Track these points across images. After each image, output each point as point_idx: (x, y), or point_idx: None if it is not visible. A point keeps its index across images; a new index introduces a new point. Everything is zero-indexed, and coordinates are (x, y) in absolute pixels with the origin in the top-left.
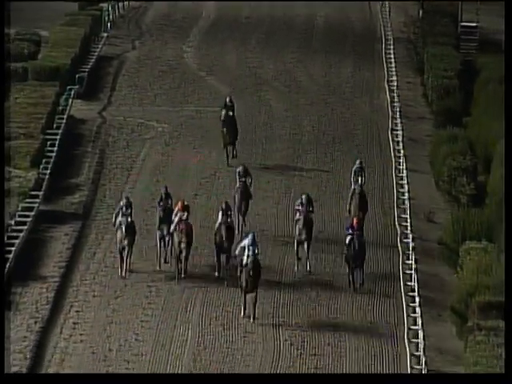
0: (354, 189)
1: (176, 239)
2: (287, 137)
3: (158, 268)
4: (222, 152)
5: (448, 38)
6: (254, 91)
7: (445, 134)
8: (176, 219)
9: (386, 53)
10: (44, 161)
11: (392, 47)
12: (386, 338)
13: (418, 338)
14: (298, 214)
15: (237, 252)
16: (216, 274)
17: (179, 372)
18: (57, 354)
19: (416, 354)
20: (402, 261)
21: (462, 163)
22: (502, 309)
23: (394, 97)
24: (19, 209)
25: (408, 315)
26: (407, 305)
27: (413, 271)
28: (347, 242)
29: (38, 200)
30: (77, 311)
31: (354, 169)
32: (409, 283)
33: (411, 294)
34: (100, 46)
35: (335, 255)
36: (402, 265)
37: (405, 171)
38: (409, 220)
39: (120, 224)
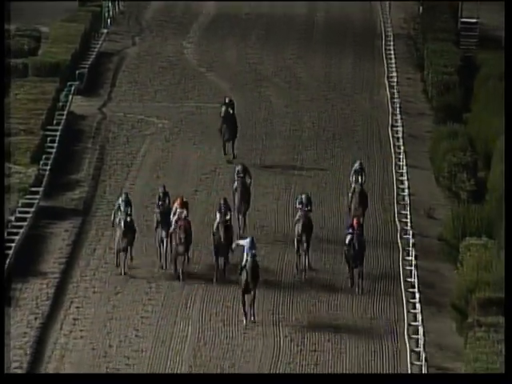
0: (354, 187)
1: (175, 238)
2: (287, 133)
3: (158, 269)
4: (222, 148)
5: (448, 34)
6: (254, 87)
7: (445, 130)
8: (175, 218)
9: (386, 49)
10: (44, 157)
11: (392, 43)
12: (386, 334)
13: (418, 334)
14: (297, 214)
15: (233, 246)
16: (214, 279)
17: (179, 368)
18: (57, 350)
19: (416, 350)
20: (402, 257)
21: (462, 159)
22: (502, 305)
23: (394, 93)
24: (19, 205)
25: (408, 311)
26: (407, 301)
27: (413, 267)
28: (347, 241)
29: (38, 196)
30: (77, 307)
31: (353, 169)
32: (409, 279)
33: (411, 290)
34: (100, 42)
35: (335, 252)
36: (402, 261)
37: (405, 167)
38: (409, 216)
39: (119, 223)
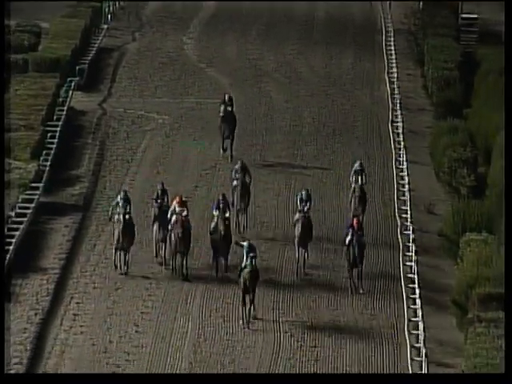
0: (354, 188)
1: (174, 236)
2: (287, 128)
3: (159, 265)
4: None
5: (448, 30)
6: (254, 83)
7: (445, 126)
8: (174, 217)
9: (386, 44)
10: (44, 152)
11: (392, 39)
12: (386, 330)
13: (418, 330)
14: (297, 213)
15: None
16: (214, 273)
17: (179, 364)
18: (57, 346)
19: (416, 345)
20: (402, 252)
21: (462, 155)
22: (502, 300)
23: (394, 88)
24: (19, 200)
25: (408, 307)
26: (407, 297)
27: (413, 263)
28: (347, 241)
29: (38, 192)
30: (77, 303)
31: (353, 169)
32: (409, 275)
33: (411, 285)
34: (100, 38)
35: (335, 248)
36: (402, 256)
37: (405, 163)
38: (409, 211)
39: (118, 221)
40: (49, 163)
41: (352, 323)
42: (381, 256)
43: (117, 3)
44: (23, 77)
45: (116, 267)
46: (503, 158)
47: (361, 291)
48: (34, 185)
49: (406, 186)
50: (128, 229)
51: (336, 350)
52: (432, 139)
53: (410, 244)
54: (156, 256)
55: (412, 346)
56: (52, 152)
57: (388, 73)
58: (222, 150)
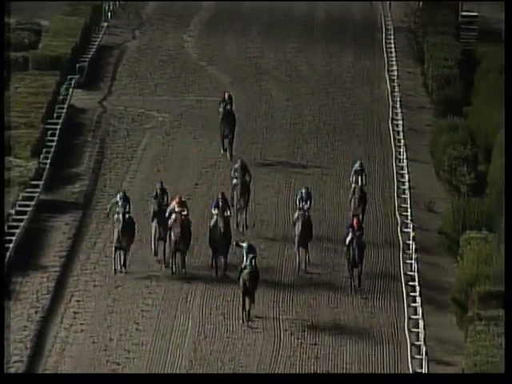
0: (354, 189)
1: (173, 235)
2: (288, 126)
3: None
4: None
5: (448, 28)
6: (254, 81)
7: (445, 124)
8: (174, 215)
9: (386, 42)
10: (44, 150)
11: (392, 37)
12: (386, 328)
13: (418, 328)
14: (296, 212)
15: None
16: (213, 273)
17: (179, 362)
18: (57, 344)
19: (416, 343)
20: (402, 250)
21: (462, 153)
22: (502, 298)
23: (394, 86)
24: (20, 198)
25: (408, 305)
26: (407, 295)
27: (413, 261)
28: (347, 242)
29: (38, 189)
30: (77, 301)
31: (354, 169)
32: (409, 273)
33: (411, 283)
34: (100, 36)
35: (335, 246)
36: (402, 254)
37: (405, 161)
38: (409, 209)
39: (117, 220)
40: (49, 161)
41: (352, 321)
42: (381, 254)
43: (117, 2)
44: (23, 75)
45: (115, 271)
46: (503, 155)
47: (359, 291)
48: (34, 183)
49: (406, 184)
50: (127, 228)
51: (336, 348)
52: (432, 137)
53: (410, 242)
54: (155, 254)
55: (412, 344)
56: (52, 150)
57: (388, 71)
58: (222, 150)
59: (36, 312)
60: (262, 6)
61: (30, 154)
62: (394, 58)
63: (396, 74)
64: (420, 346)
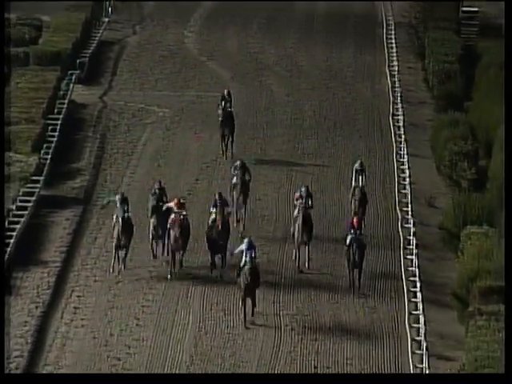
0: (355, 188)
1: (172, 235)
2: (288, 122)
3: (152, 258)
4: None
5: (449, 23)
6: (255, 76)
7: (446, 119)
8: (173, 215)
9: (387, 37)
10: (45, 146)
11: (393, 32)
12: (387, 323)
13: (418, 323)
14: (296, 210)
15: (235, 252)
16: (210, 272)
17: (180, 357)
18: (58, 339)
19: (417, 338)
20: (403, 246)
21: (463, 148)
22: (503, 293)
23: (395, 82)
24: (20, 194)
25: (409, 300)
26: (408, 290)
27: (413, 256)
28: (347, 242)
29: (38, 185)
30: (78, 296)
31: (354, 169)
32: (409, 268)
33: (412, 279)
34: (101, 31)
35: (336, 242)
36: (403, 250)
37: (406, 156)
38: (410, 205)
39: (116, 220)
40: (49, 156)
41: (353, 317)
42: (381, 249)
43: None
44: (24, 70)
45: (113, 269)
46: (503, 151)
47: (361, 292)
48: (34, 178)
49: (407, 179)
50: (127, 228)
51: (337, 344)
52: (433, 132)
53: (411, 237)
54: (154, 257)
55: (413, 340)
56: (53, 145)
57: (389, 66)
58: (222, 151)
59: (36, 307)
60: (262, 2)
61: (30, 149)
62: (395, 53)
63: (397, 69)
64: (420, 341)
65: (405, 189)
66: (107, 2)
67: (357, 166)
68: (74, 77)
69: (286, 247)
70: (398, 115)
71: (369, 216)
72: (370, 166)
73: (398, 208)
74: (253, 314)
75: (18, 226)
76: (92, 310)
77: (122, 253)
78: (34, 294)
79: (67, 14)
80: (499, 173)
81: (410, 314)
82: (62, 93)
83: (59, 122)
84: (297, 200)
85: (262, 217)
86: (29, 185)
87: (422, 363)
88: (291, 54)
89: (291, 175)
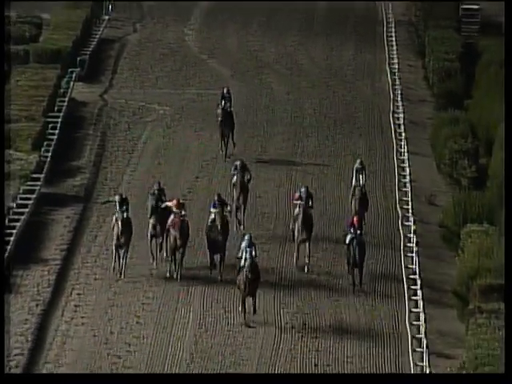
0: (355, 187)
1: (172, 236)
2: (288, 120)
3: (151, 261)
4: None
5: (449, 21)
6: (255, 74)
7: (446, 117)
8: (172, 216)
9: (387, 35)
10: (45, 143)
11: (393, 30)
12: (387, 321)
13: (419, 321)
14: (296, 209)
15: (238, 255)
16: (210, 272)
17: (180, 354)
18: (58, 337)
19: (417, 336)
20: (403, 244)
21: (463, 146)
22: (503, 291)
23: (395, 80)
24: (20, 191)
25: (409, 298)
26: (408, 288)
27: (414, 254)
28: (347, 241)
29: (39, 183)
30: (78, 294)
31: (354, 168)
32: (410, 266)
33: (412, 276)
34: (101, 29)
35: (337, 239)
36: (403, 248)
37: (406, 154)
38: (410, 203)
39: (116, 220)
40: (50, 154)
41: (353, 314)
42: (381, 247)
43: None
44: (24, 68)
45: (114, 270)
46: (503, 149)
47: (362, 292)
48: (35, 176)
49: (407, 177)
50: (126, 228)
51: (337, 341)
52: (433, 130)
53: (411, 235)
54: (152, 260)
55: (413, 337)
56: (53, 143)
57: (389, 64)
58: (221, 151)
59: (37, 305)
60: (262, 1)
61: (30, 147)
62: (395, 52)
63: (397, 67)
64: (421, 339)
65: (405, 187)
66: (107, 1)
67: (357, 165)
68: (74, 75)
69: (286, 245)
70: (399, 113)
71: (369, 214)
72: (370, 164)
73: (398, 206)
74: (254, 312)
75: (18, 224)
76: (92, 308)
77: (121, 253)
78: (35, 292)
79: (67, 12)
80: (499, 171)
81: (410, 311)
82: (62, 91)
83: (59, 119)
84: (296, 200)
85: (262, 214)
86: (29, 183)
87: (423, 361)
88: (291, 52)
89: (291, 173)
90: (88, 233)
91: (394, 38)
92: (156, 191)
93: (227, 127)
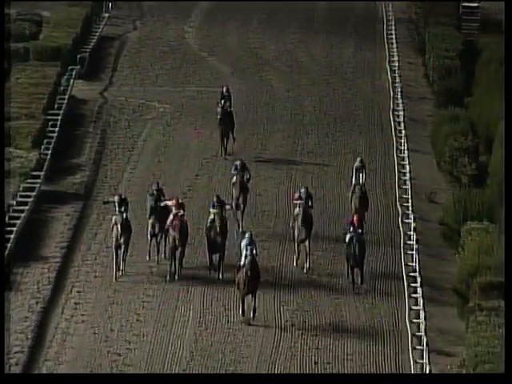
0: (355, 186)
1: (171, 237)
2: (288, 117)
3: (147, 259)
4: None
5: (449, 19)
6: (255, 71)
7: (446, 115)
8: (171, 216)
9: (387, 33)
10: (45, 141)
11: (393, 27)
12: (387, 319)
13: (419, 319)
14: (296, 209)
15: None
16: (209, 273)
17: (180, 352)
18: (58, 335)
19: (417, 334)
20: (403, 241)
21: (463, 143)
22: (503, 289)
23: (395, 77)
24: (20, 189)
25: (409, 296)
26: (408, 285)
27: (414, 252)
28: (347, 240)
29: (39, 180)
30: (78, 291)
31: (354, 166)
32: (410, 264)
33: (412, 274)
34: (101, 27)
35: (336, 237)
36: (403, 245)
37: (406, 151)
38: (410, 200)
39: (115, 223)
40: (50, 152)
41: (353, 312)
42: (381, 245)
43: None
44: (24, 65)
45: (114, 271)
46: (503, 146)
47: (362, 291)
48: (35, 173)
49: (407, 175)
50: (126, 229)
51: (337, 339)
52: (433, 128)
53: (411, 233)
54: (149, 258)
55: (413, 335)
56: (53, 141)
57: (389, 61)
58: (221, 152)
59: (37, 303)
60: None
61: (30, 144)
62: (395, 49)
63: (397, 64)
64: (421, 336)
65: (405, 184)
66: (107, 0)
67: (357, 163)
68: (74, 72)
69: (286, 243)
70: (399, 111)
71: (369, 212)
72: (370, 162)
73: (398, 203)
74: (254, 317)
75: (18, 222)
76: (92, 306)
77: (121, 254)
78: (35, 290)
79: (67, 10)
80: (499, 168)
81: (410, 309)
82: (62, 88)
83: (59, 117)
84: (296, 200)
85: (263, 212)
86: (29, 180)
87: (423, 359)
88: (291, 50)
89: (291, 170)
90: (88, 230)
91: (394, 36)
92: (155, 191)
93: (227, 126)
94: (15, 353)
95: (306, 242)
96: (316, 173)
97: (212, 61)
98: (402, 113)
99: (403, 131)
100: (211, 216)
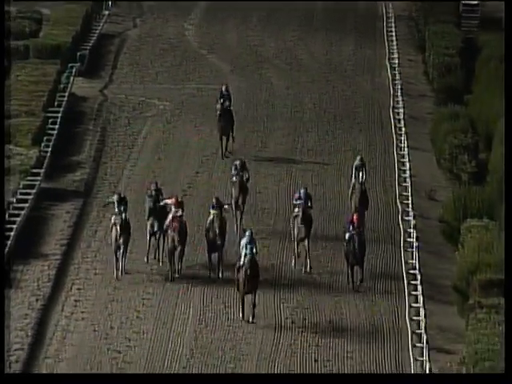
0: (354, 184)
1: (170, 238)
2: (288, 115)
3: (146, 261)
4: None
5: (449, 16)
6: (255, 69)
7: (446, 112)
8: (170, 216)
9: (387, 30)
10: (45, 138)
11: (393, 25)
12: (387, 316)
13: (419, 316)
14: (296, 209)
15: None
16: (209, 274)
17: (180, 350)
18: (58, 332)
19: (417, 331)
20: (403, 239)
21: (463, 141)
22: (503, 286)
23: (395, 74)
24: (20, 186)
25: (409, 293)
26: (408, 283)
27: (414, 249)
28: (347, 238)
29: (39, 178)
30: (78, 289)
31: (354, 165)
32: (410, 261)
33: (412, 272)
34: (101, 24)
35: (337, 235)
36: (403, 243)
37: (406, 149)
38: (410, 198)
39: (115, 224)
40: (50, 149)
41: (353, 310)
42: (381, 242)
43: None
44: (24, 63)
45: (114, 270)
46: (503, 144)
47: (362, 289)
48: (35, 171)
49: (407, 172)
50: (125, 229)
51: (337, 336)
52: (433, 125)
53: (411, 230)
54: (147, 261)
55: (413, 333)
56: (53, 138)
57: (389, 59)
58: (222, 155)
59: (37, 300)
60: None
61: (30, 142)
62: (395, 46)
63: (397, 62)
64: (421, 334)
65: (405, 182)
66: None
67: (357, 162)
68: (74, 70)
69: (286, 240)
70: (398, 108)
71: (369, 209)
72: (370, 160)
73: (398, 201)
74: (253, 316)
75: (18, 219)
76: (92, 303)
77: (120, 255)
78: (35, 287)
79: (67, 7)
80: (499, 166)
81: (410, 307)
82: (62, 86)
83: (59, 115)
84: (296, 200)
85: (262, 210)
86: (29, 178)
87: (423, 356)
88: (291, 47)
89: (291, 168)
90: (88, 228)
91: (394, 33)
92: (153, 192)
93: (226, 123)
94: (15, 350)
95: (306, 242)
96: (316, 170)
97: (212, 58)
98: (401, 110)
99: (403, 129)
100: (211, 217)
